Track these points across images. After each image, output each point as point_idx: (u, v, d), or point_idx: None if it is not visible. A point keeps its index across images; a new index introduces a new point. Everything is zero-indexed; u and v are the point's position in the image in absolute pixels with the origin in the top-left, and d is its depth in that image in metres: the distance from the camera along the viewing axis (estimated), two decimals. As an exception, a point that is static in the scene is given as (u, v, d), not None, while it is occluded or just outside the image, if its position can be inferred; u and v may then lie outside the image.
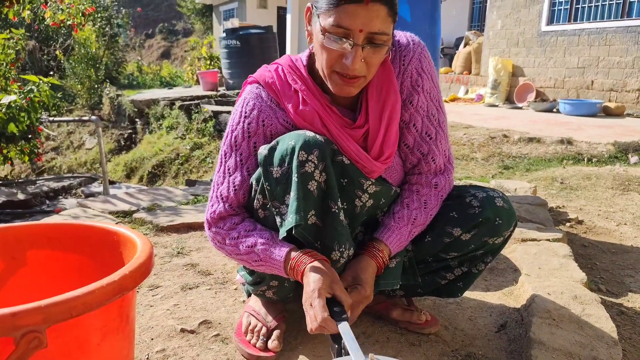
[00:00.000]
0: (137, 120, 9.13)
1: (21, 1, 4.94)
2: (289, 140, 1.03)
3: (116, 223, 2.35)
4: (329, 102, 1.13)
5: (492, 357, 1.23)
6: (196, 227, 2.25)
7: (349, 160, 1.09)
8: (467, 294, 1.58)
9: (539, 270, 1.63)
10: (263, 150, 1.06)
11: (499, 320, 1.41)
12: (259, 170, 1.08)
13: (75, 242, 0.96)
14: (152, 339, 1.29)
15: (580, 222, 2.52)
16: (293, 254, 1.05)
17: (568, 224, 2.48)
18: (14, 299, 0.93)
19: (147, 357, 1.22)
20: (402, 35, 1.17)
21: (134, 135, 8.99)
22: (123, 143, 9.01)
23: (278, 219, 1.07)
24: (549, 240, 1.93)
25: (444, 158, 1.20)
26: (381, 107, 1.12)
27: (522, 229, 2.05)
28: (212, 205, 1.16)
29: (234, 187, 1.13)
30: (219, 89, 9.86)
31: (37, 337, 0.62)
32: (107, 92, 10.70)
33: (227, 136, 1.16)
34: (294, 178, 1.01)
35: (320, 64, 1.06)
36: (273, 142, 1.06)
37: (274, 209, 1.07)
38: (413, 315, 1.30)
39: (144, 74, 16.16)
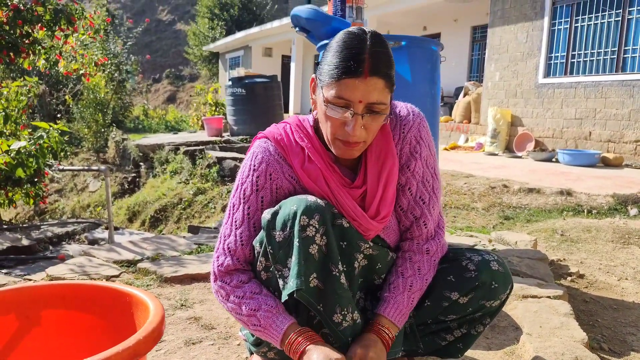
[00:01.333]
0: (141, 164, 9.25)
1: (37, 52, 5.13)
2: (291, 205, 1.08)
3: (120, 274, 2.37)
4: (332, 161, 1.19)
5: (494, 421, 1.23)
6: (199, 278, 2.27)
7: (348, 224, 1.14)
8: (469, 352, 1.58)
9: (540, 329, 1.64)
10: (267, 214, 1.10)
11: (501, 381, 1.41)
12: (262, 233, 1.12)
13: (88, 302, 0.99)
14: (155, 397, 1.30)
15: (581, 277, 2.54)
16: (292, 332, 1.07)
17: (569, 278, 2.49)
18: (27, 359, 0.96)
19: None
20: (402, 107, 1.25)
21: (137, 179, 9.08)
22: (127, 186, 9.09)
23: (280, 282, 1.10)
24: (549, 297, 1.95)
25: (434, 224, 1.24)
26: (379, 169, 1.18)
27: (522, 285, 2.07)
28: (219, 258, 1.18)
29: (241, 241, 1.16)
30: (224, 134, 10.03)
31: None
32: (113, 135, 10.89)
33: (236, 188, 1.20)
34: (296, 242, 1.05)
35: (325, 131, 1.12)
36: (276, 207, 1.11)
37: (276, 272, 1.10)
38: None
39: (150, 118, 16.47)
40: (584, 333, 1.61)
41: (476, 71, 11.59)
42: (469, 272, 1.19)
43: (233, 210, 1.19)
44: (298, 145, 1.18)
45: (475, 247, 2.77)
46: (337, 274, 1.08)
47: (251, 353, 1.41)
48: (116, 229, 6.44)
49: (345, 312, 1.09)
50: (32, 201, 6.06)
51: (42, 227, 5.61)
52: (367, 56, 1.02)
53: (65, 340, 0.99)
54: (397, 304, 1.16)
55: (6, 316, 0.96)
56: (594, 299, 2.25)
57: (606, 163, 6.72)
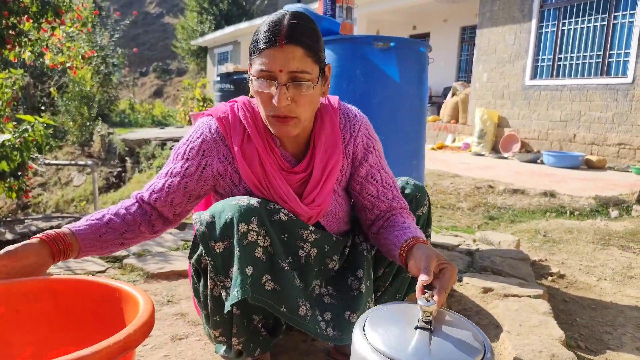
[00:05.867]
0: (127, 158, 9.18)
1: (23, 44, 5.07)
2: (225, 214, 1.08)
3: (105, 269, 2.37)
4: (275, 144, 1.22)
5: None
6: (186, 275, 2.28)
7: (286, 216, 1.17)
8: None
9: (520, 327, 1.69)
10: (200, 227, 1.09)
11: (481, 378, 1.45)
12: (199, 249, 1.14)
13: (78, 297, 1.00)
14: (141, 391, 1.31)
15: (562, 277, 2.59)
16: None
17: (550, 278, 2.54)
18: (16, 351, 0.97)
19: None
20: (351, 109, 1.34)
21: (123, 174, 9.01)
22: (112, 181, 9.02)
23: (223, 293, 1.10)
24: (529, 296, 1.99)
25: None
26: (326, 161, 1.23)
27: (504, 284, 2.11)
28: (144, 188, 1.27)
29: (153, 188, 1.23)
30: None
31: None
32: (99, 129, 10.78)
33: (174, 149, 1.28)
34: (236, 252, 1.05)
35: (261, 111, 1.16)
36: (208, 217, 1.09)
37: (219, 282, 1.10)
38: None
39: (136, 112, 16.33)
40: (562, 331, 1.66)
41: (465, 71, 11.69)
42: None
43: (166, 165, 1.26)
44: (242, 124, 1.21)
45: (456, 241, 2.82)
46: (289, 268, 1.13)
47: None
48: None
49: (307, 303, 1.15)
50: (15, 195, 6.00)
51: (26, 221, 5.55)
52: (283, 27, 1.06)
53: (56, 334, 1.03)
54: (416, 229, 1.22)
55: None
56: (574, 298, 2.31)
57: (590, 165, 6.84)
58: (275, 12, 1.12)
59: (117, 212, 1.20)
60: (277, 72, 1.06)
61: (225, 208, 1.09)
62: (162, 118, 15.63)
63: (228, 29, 16.95)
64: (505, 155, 8.03)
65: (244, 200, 1.11)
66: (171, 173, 1.22)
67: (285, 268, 1.11)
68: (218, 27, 20.02)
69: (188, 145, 1.22)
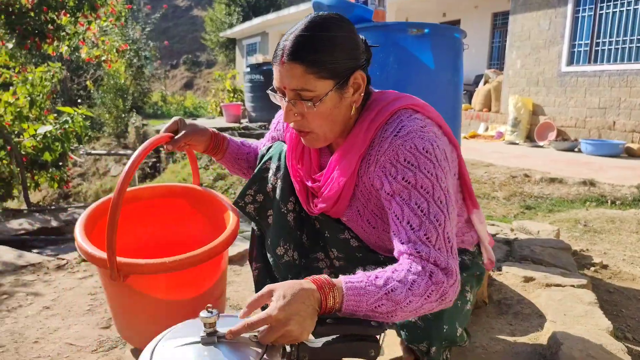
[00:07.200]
0: (161, 149, 9.36)
1: (61, 38, 5.21)
2: (272, 148, 1.34)
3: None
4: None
5: (520, 404, 1.25)
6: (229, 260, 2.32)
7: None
8: (493, 338, 1.60)
9: (564, 317, 1.66)
10: (263, 149, 1.38)
11: (526, 367, 1.43)
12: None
13: (196, 200, 1.62)
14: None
15: (605, 267, 2.53)
16: None
17: (592, 269, 2.48)
18: (151, 235, 1.65)
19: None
20: (404, 124, 1.05)
21: (158, 164, 9.19)
22: (148, 171, 9.22)
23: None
24: (573, 286, 1.95)
25: (442, 252, 0.97)
26: (332, 178, 1.15)
27: (546, 274, 2.07)
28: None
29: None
30: (242, 121, 10.08)
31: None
32: (133, 121, 11.02)
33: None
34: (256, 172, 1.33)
35: None
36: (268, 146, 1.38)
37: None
38: None
39: (168, 104, 16.61)
40: (609, 321, 1.62)
41: (497, 59, 11.42)
42: None
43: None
44: None
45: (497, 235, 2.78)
46: (285, 212, 1.26)
47: None
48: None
49: (287, 248, 1.26)
50: (56, 184, 6.22)
51: (68, 209, 5.74)
52: (287, 43, 1.02)
53: (179, 226, 1.63)
54: (362, 291, 0.91)
55: (137, 203, 1.58)
56: (618, 289, 2.25)
57: (630, 153, 6.61)
58: (299, 21, 1.06)
59: (254, 147, 1.48)
60: (282, 88, 1.05)
61: (275, 145, 1.35)
62: (194, 109, 15.84)
63: (256, 20, 16.98)
64: (541, 143, 7.84)
65: (285, 147, 1.31)
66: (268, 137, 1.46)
67: (282, 211, 1.27)
68: (246, 18, 20.08)
69: (275, 120, 1.43)
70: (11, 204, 6.14)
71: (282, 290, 0.86)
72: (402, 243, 0.98)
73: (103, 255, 1.23)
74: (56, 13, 5.10)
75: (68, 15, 5.21)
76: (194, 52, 29.09)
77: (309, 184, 1.21)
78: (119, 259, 1.21)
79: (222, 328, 0.85)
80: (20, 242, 3.97)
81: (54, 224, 4.61)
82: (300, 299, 0.85)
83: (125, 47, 6.37)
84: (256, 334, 0.85)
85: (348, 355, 0.91)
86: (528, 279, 2.04)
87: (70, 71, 13.22)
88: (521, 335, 1.64)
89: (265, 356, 0.82)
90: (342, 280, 0.91)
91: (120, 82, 11.99)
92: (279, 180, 1.25)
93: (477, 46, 11.32)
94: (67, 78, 12.58)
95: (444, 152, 1.04)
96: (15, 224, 4.49)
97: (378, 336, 0.91)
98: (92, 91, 12.39)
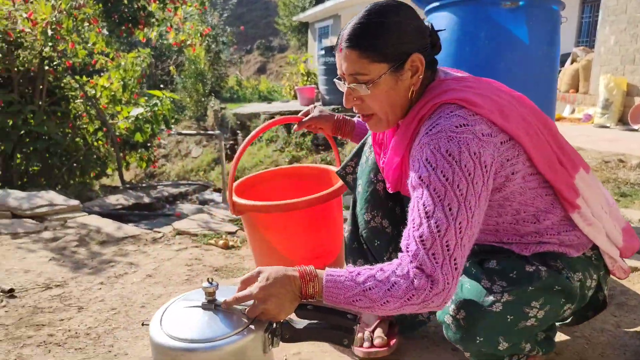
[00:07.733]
0: (238, 132, 9.67)
1: (151, 24, 5.49)
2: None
3: (236, 230, 2.56)
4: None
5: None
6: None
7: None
8: (596, 329, 1.53)
9: (678, 310, 1.54)
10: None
11: None
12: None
13: (310, 175, 2.03)
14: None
15: None
16: None
17: (702, 261, 2.29)
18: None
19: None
20: (440, 125, 1.02)
21: (235, 146, 9.52)
22: (227, 153, 9.59)
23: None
24: (685, 277, 1.81)
25: (431, 257, 0.95)
26: (389, 157, 1.24)
27: (652, 264, 1.94)
28: None
29: None
30: (316, 104, 10.15)
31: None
32: (212, 105, 11.46)
33: None
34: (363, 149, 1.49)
35: None
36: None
37: None
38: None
39: (244, 88, 17.06)
40: None
41: (586, 36, 10.64)
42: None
43: None
44: None
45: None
46: (375, 181, 1.41)
47: None
48: (218, 190, 6.86)
49: (375, 214, 1.41)
50: (145, 164, 6.63)
51: (158, 187, 6.14)
52: (345, 31, 1.09)
53: (301, 188, 1.95)
54: (340, 284, 0.98)
55: (286, 180, 2.00)
56: None
57: None
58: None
59: None
60: (342, 74, 1.12)
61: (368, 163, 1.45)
62: (268, 93, 16.17)
63: (328, 3, 16.92)
64: (635, 127, 7.25)
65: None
66: None
67: (372, 180, 1.43)
68: (318, 1, 20.07)
69: None
70: (106, 182, 6.63)
71: (267, 273, 0.99)
72: (403, 236, 1.02)
73: (248, 203, 1.65)
74: (147, 0, 5.38)
75: (157, 1, 5.48)
76: (267, 37, 29.58)
77: (381, 163, 1.31)
78: (239, 200, 1.66)
79: (221, 298, 1.00)
80: (118, 215, 4.31)
81: (146, 200, 4.95)
82: (280, 283, 0.97)
83: (209, 30, 6.61)
84: (247, 307, 0.98)
85: (325, 340, 1.03)
86: (632, 270, 1.92)
87: (154, 57, 13.93)
88: (627, 328, 1.55)
89: (251, 326, 0.95)
90: (325, 272, 1.00)
91: (200, 67, 12.47)
92: (372, 154, 1.41)
93: (564, 23, 10.60)
94: (152, 64, 13.28)
95: (476, 157, 0.97)
96: (112, 199, 4.87)
97: (355, 327, 1.00)
98: (174, 76, 12.99)
